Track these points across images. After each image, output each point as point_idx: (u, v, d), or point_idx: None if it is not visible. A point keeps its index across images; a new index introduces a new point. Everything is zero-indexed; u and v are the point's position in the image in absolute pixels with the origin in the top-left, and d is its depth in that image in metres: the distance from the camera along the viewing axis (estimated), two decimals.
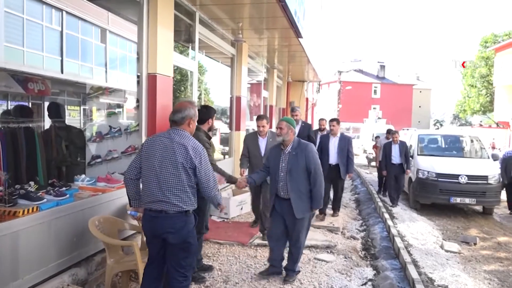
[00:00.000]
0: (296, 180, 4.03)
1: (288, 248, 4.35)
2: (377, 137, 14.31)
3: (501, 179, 8.65)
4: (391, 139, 9.38)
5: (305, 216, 4.14)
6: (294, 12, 6.45)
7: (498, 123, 27.52)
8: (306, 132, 6.98)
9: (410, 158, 9.17)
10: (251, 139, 5.54)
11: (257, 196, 5.67)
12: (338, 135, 6.84)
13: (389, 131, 10.67)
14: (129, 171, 3.03)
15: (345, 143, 6.77)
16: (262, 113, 11.62)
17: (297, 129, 6.78)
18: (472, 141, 10.26)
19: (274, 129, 5.40)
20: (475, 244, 6.56)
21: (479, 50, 34.21)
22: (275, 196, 4.18)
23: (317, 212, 6.63)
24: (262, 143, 5.46)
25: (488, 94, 33.09)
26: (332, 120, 7.03)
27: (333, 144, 6.79)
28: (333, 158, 6.76)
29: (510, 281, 5.07)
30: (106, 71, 17.56)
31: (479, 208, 9.11)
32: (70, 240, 3.58)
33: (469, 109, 35.53)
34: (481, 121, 34.16)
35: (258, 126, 5.45)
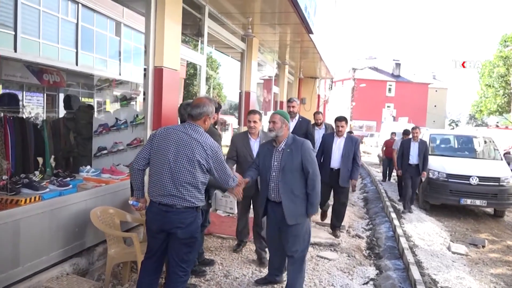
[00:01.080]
0: (289, 181, 3.56)
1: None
2: (393, 133, 13.29)
3: None
4: (410, 137, 8.54)
5: (300, 223, 3.60)
6: (305, 7, 6.38)
7: None
8: (304, 129, 6.11)
9: None
10: (241, 140, 4.58)
11: (247, 210, 4.88)
12: (345, 135, 5.90)
13: (405, 132, 10.11)
14: (138, 162, 2.99)
15: (352, 145, 5.80)
16: (273, 109, 11.55)
17: (292, 124, 6.01)
18: (485, 142, 10.07)
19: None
20: (483, 246, 6.44)
21: (498, 49, 33.46)
22: (266, 200, 3.75)
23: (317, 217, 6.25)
24: (255, 145, 4.48)
25: (506, 95, 32.38)
26: (340, 120, 5.92)
27: (338, 146, 5.83)
28: (336, 162, 5.81)
29: None
30: (120, 64, 17.72)
31: (490, 210, 8.95)
32: (72, 230, 3.62)
33: (486, 109, 34.80)
34: (497, 122, 33.45)
35: (249, 122, 4.48)
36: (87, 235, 3.80)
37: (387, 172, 12.78)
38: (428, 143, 9.43)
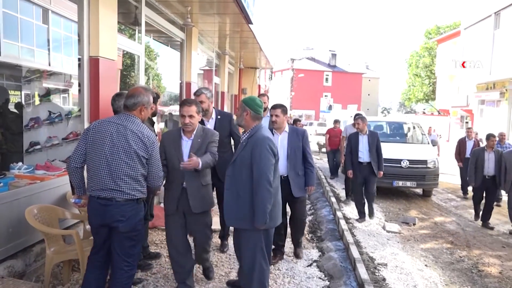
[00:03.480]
0: (237, 177, 3.10)
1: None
2: (336, 121, 11.53)
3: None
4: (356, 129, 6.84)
5: (244, 228, 3.14)
6: None
7: (439, 111, 29.16)
8: (227, 128, 4.43)
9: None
10: (171, 139, 3.46)
11: (183, 229, 3.60)
12: (287, 129, 4.42)
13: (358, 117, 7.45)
14: (75, 159, 2.88)
15: (299, 140, 4.41)
16: (214, 100, 11.29)
17: (211, 125, 4.35)
18: (414, 127, 10.82)
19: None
20: (414, 224, 6.97)
21: (424, 41, 35.90)
22: None
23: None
24: (187, 146, 3.41)
25: (431, 84, 34.91)
26: (275, 107, 4.34)
27: (281, 144, 4.32)
28: (281, 166, 4.16)
29: (443, 257, 5.45)
30: (49, 54, 16.63)
31: (419, 191, 9.66)
32: (5, 231, 3.40)
33: (414, 97, 37.34)
34: (424, 109, 36.09)
35: (182, 116, 3.36)
36: (22, 236, 3.59)
37: (334, 165, 11.08)
38: None
